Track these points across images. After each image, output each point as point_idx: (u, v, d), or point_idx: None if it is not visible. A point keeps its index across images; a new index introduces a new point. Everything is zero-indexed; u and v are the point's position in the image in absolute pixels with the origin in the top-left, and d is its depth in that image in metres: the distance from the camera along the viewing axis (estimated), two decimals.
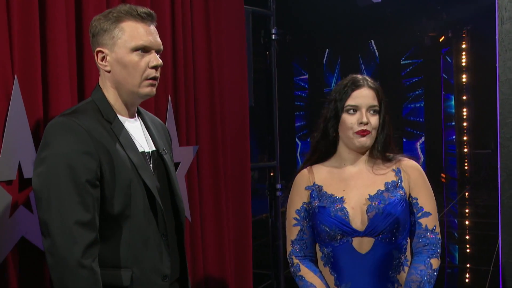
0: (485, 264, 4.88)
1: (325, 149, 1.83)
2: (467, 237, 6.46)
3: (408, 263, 1.75)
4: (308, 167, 1.84)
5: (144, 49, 1.52)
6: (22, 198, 1.77)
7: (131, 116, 1.61)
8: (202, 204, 2.66)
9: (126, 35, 1.50)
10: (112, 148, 1.47)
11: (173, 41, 2.46)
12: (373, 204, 1.70)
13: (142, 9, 1.54)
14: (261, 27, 3.24)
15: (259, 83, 3.28)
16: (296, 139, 11.34)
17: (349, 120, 1.73)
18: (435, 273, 1.71)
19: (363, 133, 1.72)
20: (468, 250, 5.84)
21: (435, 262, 1.71)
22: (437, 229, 1.75)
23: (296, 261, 1.80)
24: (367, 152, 1.80)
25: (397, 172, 1.76)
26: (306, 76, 11.42)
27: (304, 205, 1.79)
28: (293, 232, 1.81)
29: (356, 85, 1.75)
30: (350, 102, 1.74)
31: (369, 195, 1.72)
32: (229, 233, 2.82)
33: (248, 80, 2.94)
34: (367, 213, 1.70)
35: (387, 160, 1.78)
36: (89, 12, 1.99)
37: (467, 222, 7.39)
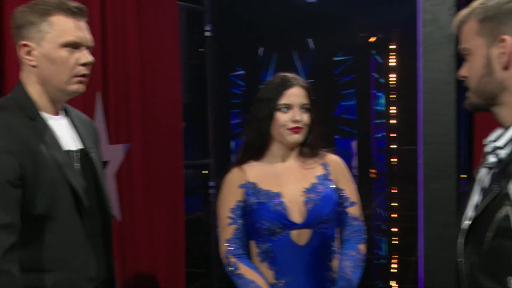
0: (409, 255, 5.12)
1: (259, 147, 1.86)
2: (394, 229, 6.74)
3: (337, 250, 1.84)
4: (238, 166, 1.86)
5: (74, 45, 1.46)
6: None
7: (57, 113, 1.54)
8: (133, 203, 2.61)
9: (55, 30, 1.44)
10: (35, 146, 1.40)
11: (103, 35, 2.39)
12: (310, 196, 1.78)
13: (73, 4, 1.48)
14: (196, 24, 3.22)
15: (196, 81, 3.26)
16: (231, 137, 11.32)
17: (283, 118, 1.79)
18: (364, 257, 1.84)
19: (296, 130, 1.79)
20: (394, 242, 6.09)
21: (363, 247, 1.84)
22: (362, 217, 1.88)
23: (233, 260, 1.79)
24: (297, 149, 1.86)
25: (325, 166, 1.86)
26: (242, 73, 11.44)
27: (239, 203, 1.81)
28: (228, 231, 1.81)
29: (288, 84, 1.80)
30: (283, 100, 1.79)
31: (305, 188, 1.80)
32: (161, 232, 2.79)
33: (182, 77, 2.91)
34: (305, 205, 1.77)
35: (315, 155, 1.86)
36: (10, 2, 1.88)
37: (394, 215, 7.71)
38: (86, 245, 1.48)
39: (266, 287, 1.75)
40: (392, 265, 5.06)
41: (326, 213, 1.78)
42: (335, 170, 1.86)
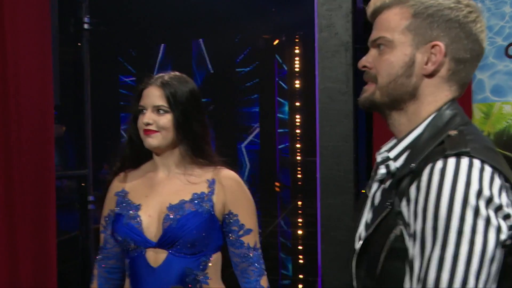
0: (315, 275, 5.28)
1: (132, 154, 1.86)
2: (300, 248, 6.92)
3: (209, 281, 1.80)
4: (126, 171, 1.87)
5: None
6: None
7: None
8: None
9: None
10: None
11: None
12: (170, 214, 1.75)
13: None
14: (72, 15, 3.10)
15: (71, 80, 3.14)
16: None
17: (139, 120, 1.79)
18: None
19: (148, 133, 1.76)
20: (301, 261, 6.25)
21: (264, 281, 1.82)
22: (258, 245, 1.84)
23: (95, 271, 1.89)
24: (179, 154, 1.82)
25: (211, 183, 1.80)
26: (134, 73, 11.13)
27: (110, 213, 1.84)
28: (101, 239, 1.89)
29: (144, 85, 1.81)
30: (140, 102, 1.80)
31: (170, 204, 1.76)
32: (27, 257, 2.63)
33: (54, 75, 2.77)
34: (162, 223, 1.74)
35: (203, 165, 1.82)
36: None
37: (300, 232, 7.92)
38: None
39: None
40: (299, 286, 5.18)
41: (184, 235, 1.73)
42: (224, 190, 1.80)
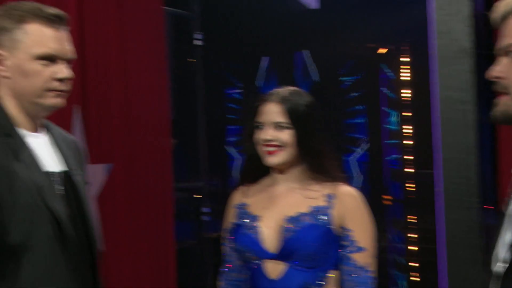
0: None
1: (250, 169, 1.90)
2: (415, 264, 6.68)
3: None
4: (247, 184, 1.91)
5: (50, 58, 1.47)
6: None
7: (35, 130, 1.54)
8: (117, 231, 2.63)
9: (30, 39, 1.45)
10: (10, 166, 1.40)
11: (81, 44, 2.42)
12: (289, 226, 1.76)
13: (51, 10, 1.49)
14: (184, 32, 3.26)
15: (185, 94, 3.29)
16: (230, 156, 11.19)
17: (256, 136, 1.81)
18: None
19: (269, 152, 1.78)
20: (416, 278, 6.03)
21: None
22: (371, 267, 1.78)
23: (220, 284, 1.92)
24: (299, 170, 1.84)
25: (329, 197, 1.80)
26: (241, 86, 11.33)
27: (231, 225, 1.88)
28: (223, 251, 1.93)
29: (262, 101, 1.82)
30: (257, 118, 1.82)
31: (287, 216, 1.78)
32: (149, 264, 2.80)
33: (170, 90, 2.95)
34: (282, 234, 1.76)
35: (322, 181, 1.82)
36: None
37: (414, 248, 7.65)
38: (70, 280, 1.47)
39: None
40: None
41: (303, 248, 1.73)
42: (342, 205, 1.79)
